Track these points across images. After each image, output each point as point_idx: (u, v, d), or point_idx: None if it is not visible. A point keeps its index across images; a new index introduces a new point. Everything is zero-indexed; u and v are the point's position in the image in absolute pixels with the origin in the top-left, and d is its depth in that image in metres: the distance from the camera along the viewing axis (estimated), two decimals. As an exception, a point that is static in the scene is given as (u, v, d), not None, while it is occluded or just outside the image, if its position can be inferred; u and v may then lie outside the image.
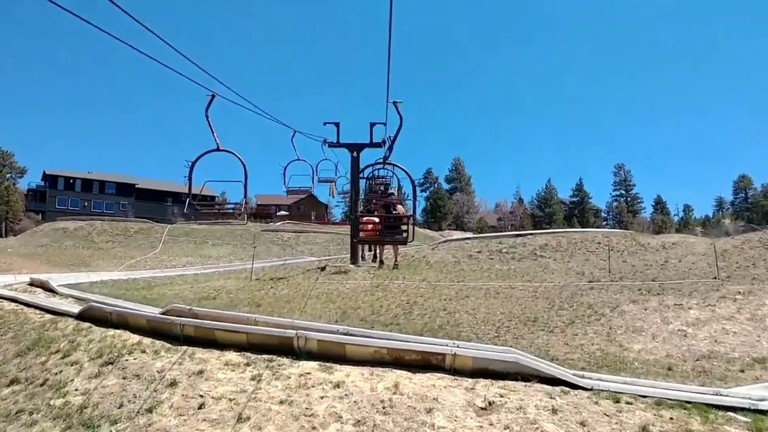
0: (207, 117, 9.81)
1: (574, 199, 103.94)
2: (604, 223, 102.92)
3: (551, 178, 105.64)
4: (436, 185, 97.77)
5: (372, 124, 18.89)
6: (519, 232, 23.65)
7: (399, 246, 12.55)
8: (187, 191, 9.95)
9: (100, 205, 72.37)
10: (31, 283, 16.13)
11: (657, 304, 12.58)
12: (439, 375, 7.14)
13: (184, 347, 8.00)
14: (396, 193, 15.63)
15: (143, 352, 7.97)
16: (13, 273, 23.07)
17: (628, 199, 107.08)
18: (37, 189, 72.99)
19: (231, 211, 10.63)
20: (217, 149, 9.89)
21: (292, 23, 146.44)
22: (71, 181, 72.88)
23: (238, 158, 9.81)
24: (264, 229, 50.17)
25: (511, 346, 10.53)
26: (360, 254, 18.96)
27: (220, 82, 8.70)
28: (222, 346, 7.98)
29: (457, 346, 7.79)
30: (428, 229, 75.40)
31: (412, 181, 10.58)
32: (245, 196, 10.21)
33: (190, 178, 9.93)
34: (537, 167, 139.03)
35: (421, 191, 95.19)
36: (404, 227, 9.21)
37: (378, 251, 14.91)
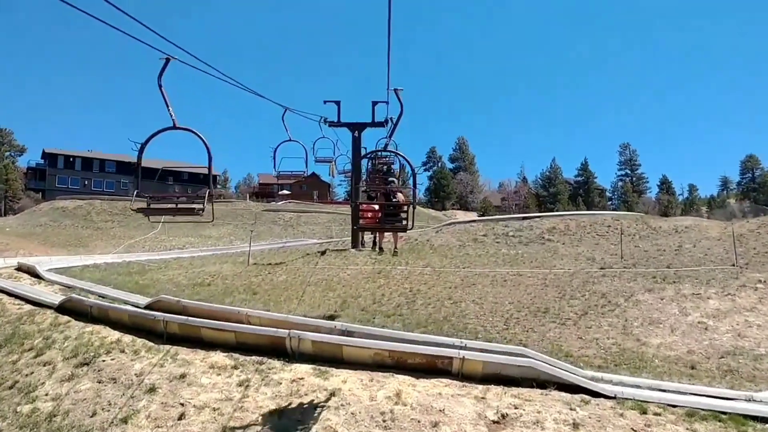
0: (160, 86, 7.83)
1: (579, 179, 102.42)
2: (609, 203, 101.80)
3: (556, 157, 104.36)
4: (439, 164, 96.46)
5: (374, 103, 18.14)
6: (526, 215, 22.94)
7: (399, 233, 12.15)
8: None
9: (101, 183, 70.58)
10: (19, 268, 15.47)
11: (673, 293, 11.91)
12: (446, 381, 6.44)
13: (167, 346, 7.29)
14: (396, 180, 14.94)
15: (122, 351, 7.27)
16: (4, 255, 22.48)
17: (634, 179, 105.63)
18: (37, 167, 71.40)
19: (191, 206, 8.10)
20: (174, 127, 7.89)
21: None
22: (71, 159, 71.13)
23: (200, 138, 7.89)
24: (265, 209, 49.49)
25: (521, 341, 9.87)
26: (360, 240, 18.20)
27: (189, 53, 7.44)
28: (208, 345, 7.28)
29: (465, 347, 7.09)
30: (431, 209, 74.45)
31: (412, 169, 9.30)
32: (210, 184, 7.95)
33: (138, 163, 7.91)
34: (541, 146, 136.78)
35: (425, 170, 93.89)
36: (404, 214, 8.60)
37: (378, 238, 14.38)
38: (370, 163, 22.02)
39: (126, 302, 10.04)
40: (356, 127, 18.05)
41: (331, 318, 10.89)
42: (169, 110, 7.60)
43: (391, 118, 17.01)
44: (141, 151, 7.74)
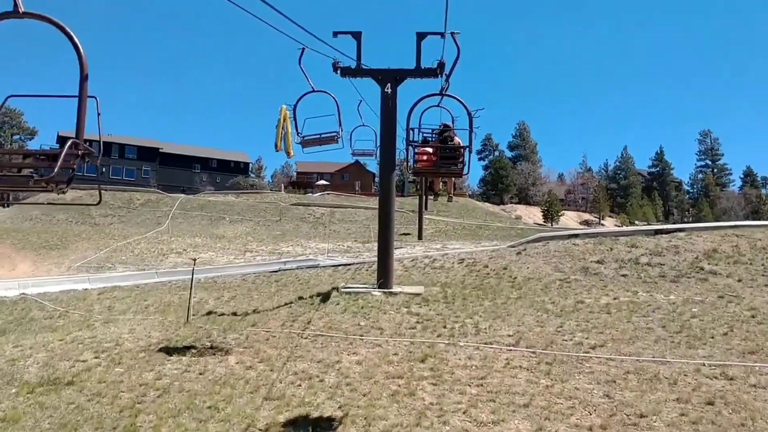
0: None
1: (653, 170, 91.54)
2: (687, 197, 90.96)
3: (627, 146, 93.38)
4: (496, 152, 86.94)
5: (420, 36, 10.79)
6: (659, 227, 14.92)
7: (453, 179, 12.46)
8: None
9: (120, 171, 62.74)
10: None
11: None
12: None
13: None
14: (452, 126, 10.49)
15: None
16: None
17: (715, 170, 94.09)
18: (51, 153, 64.88)
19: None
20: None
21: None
22: (88, 144, 64.40)
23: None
24: (294, 202, 42.26)
25: None
26: (426, 184, 16.28)
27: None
28: None
29: None
30: (488, 203, 65.53)
31: (469, 113, 8.85)
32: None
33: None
34: (605, 133, 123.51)
35: (479, 159, 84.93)
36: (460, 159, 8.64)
37: (434, 183, 13.31)
38: (415, 153, 14.76)
39: None
40: (388, 78, 10.57)
41: None
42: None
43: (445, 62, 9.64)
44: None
